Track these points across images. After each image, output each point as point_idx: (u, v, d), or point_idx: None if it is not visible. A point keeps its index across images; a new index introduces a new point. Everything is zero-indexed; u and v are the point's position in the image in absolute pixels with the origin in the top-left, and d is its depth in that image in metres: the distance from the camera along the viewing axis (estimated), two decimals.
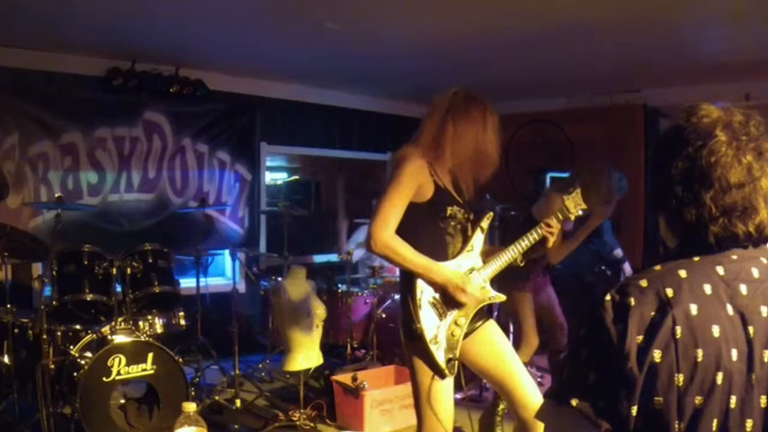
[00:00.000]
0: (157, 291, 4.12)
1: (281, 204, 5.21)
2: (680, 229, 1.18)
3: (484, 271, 2.52)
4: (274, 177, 7.43)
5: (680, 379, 1.04)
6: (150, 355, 3.63)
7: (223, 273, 6.01)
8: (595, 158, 6.06)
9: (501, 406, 3.78)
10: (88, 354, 3.61)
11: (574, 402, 1.09)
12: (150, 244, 4.21)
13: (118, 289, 4.01)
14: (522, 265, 2.65)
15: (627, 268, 4.86)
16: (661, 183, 1.17)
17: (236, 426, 4.04)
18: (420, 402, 2.46)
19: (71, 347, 3.70)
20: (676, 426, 1.05)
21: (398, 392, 4.15)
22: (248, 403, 4.37)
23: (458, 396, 2.73)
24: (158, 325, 4.18)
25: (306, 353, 3.94)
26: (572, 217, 2.67)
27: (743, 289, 1.10)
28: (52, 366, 3.61)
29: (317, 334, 3.96)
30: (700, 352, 1.05)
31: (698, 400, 1.04)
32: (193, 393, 3.93)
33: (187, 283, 4.82)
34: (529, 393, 2.49)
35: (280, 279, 4.75)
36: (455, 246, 2.51)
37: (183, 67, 5.36)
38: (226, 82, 5.72)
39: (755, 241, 1.13)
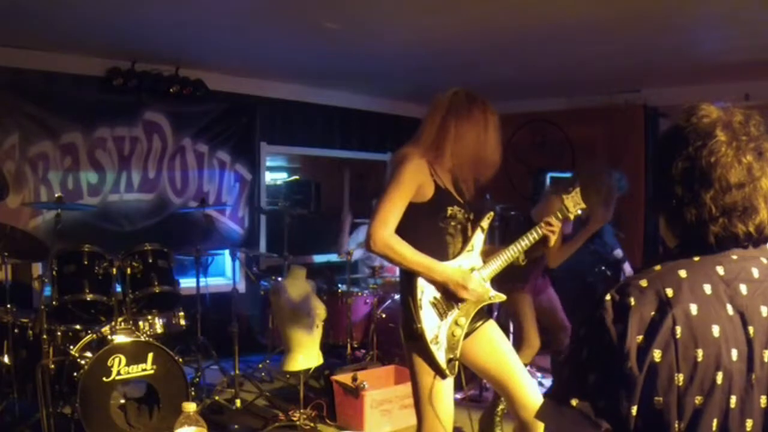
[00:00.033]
0: (157, 291, 4.12)
1: (281, 204, 5.21)
2: (680, 229, 1.18)
3: (484, 270, 2.52)
4: (274, 177, 7.42)
5: (680, 378, 1.04)
6: (150, 355, 3.63)
7: (223, 273, 6.02)
8: (595, 161, 6.05)
9: (500, 407, 3.78)
10: (88, 354, 3.61)
11: (574, 402, 1.09)
12: (150, 244, 4.21)
13: (118, 289, 4.01)
14: (524, 264, 2.65)
15: (627, 268, 4.85)
16: (662, 183, 1.17)
17: (236, 426, 4.04)
18: (420, 402, 2.46)
19: (71, 347, 3.70)
20: (676, 426, 1.05)
21: (398, 392, 4.15)
22: (248, 403, 4.37)
23: (458, 396, 2.73)
24: (158, 325, 4.18)
25: (306, 353, 3.94)
26: (572, 217, 2.67)
27: (743, 289, 1.10)
28: (52, 366, 3.61)
29: (317, 334, 3.96)
30: (700, 352, 1.05)
31: (698, 399, 1.05)
32: (193, 393, 3.93)
33: (187, 283, 4.82)
34: (529, 393, 2.49)
35: (280, 279, 4.75)
36: (455, 246, 2.51)
37: (183, 67, 5.36)
38: (226, 82, 5.72)
39: (755, 241, 1.14)
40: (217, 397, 4.37)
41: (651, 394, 1.05)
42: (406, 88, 6.29)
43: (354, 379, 4.08)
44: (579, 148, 6.48)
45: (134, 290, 4.04)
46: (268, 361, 5.15)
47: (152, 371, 3.63)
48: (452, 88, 2.54)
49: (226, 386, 4.60)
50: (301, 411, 4.06)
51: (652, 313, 1.07)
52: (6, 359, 3.68)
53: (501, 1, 3.67)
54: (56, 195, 4.20)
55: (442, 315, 2.42)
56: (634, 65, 5.09)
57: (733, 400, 1.06)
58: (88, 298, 3.85)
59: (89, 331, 3.78)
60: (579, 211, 2.68)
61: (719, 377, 1.05)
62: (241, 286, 5.83)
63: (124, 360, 3.55)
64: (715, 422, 1.05)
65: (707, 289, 1.09)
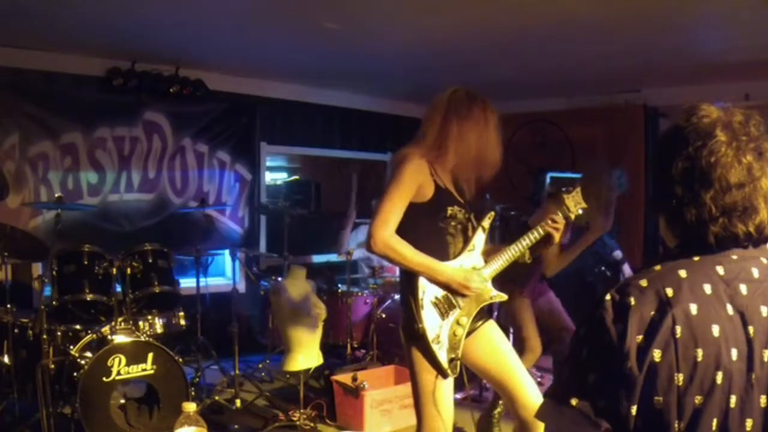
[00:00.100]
0: (157, 291, 4.12)
1: (281, 204, 5.21)
2: (680, 229, 1.18)
3: (486, 270, 2.52)
4: (274, 177, 7.42)
5: (680, 378, 1.04)
6: (150, 355, 3.63)
7: (223, 273, 6.02)
8: (594, 165, 6.04)
9: (498, 409, 3.78)
10: (88, 354, 3.61)
11: (574, 402, 1.09)
12: (150, 244, 4.21)
13: (118, 289, 4.01)
14: (530, 261, 2.65)
15: (626, 269, 4.85)
16: (662, 183, 1.17)
17: (236, 426, 4.04)
18: (420, 402, 2.46)
19: (71, 347, 3.70)
20: (676, 425, 1.05)
21: (398, 392, 4.15)
22: (248, 403, 4.37)
23: (459, 396, 2.73)
24: (158, 325, 4.18)
25: (306, 353, 3.94)
26: (572, 216, 2.66)
27: (743, 288, 1.10)
28: (52, 366, 3.61)
29: (317, 334, 3.96)
30: (699, 352, 1.05)
31: (698, 399, 1.05)
32: (193, 393, 3.93)
33: (187, 283, 4.82)
34: (529, 393, 2.49)
35: (280, 279, 4.75)
36: (456, 246, 2.51)
37: (183, 67, 5.36)
38: (226, 82, 5.72)
39: (755, 241, 1.14)
40: (217, 397, 4.37)
41: (651, 394, 1.05)
42: (406, 88, 6.29)
43: (354, 379, 4.08)
44: (579, 148, 6.48)
45: (134, 290, 4.04)
46: (268, 361, 5.15)
47: (152, 371, 3.63)
48: (451, 87, 2.54)
49: (226, 386, 4.60)
50: (301, 411, 4.06)
51: (652, 312, 1.07)
52: (6, 359, 3.68)
53: (501, 1, 3.67)
54: (56, 195, 4.20)
55: (443, 315, 2.42)
56: (634, 65, 5.09)
57: (733, 399, 1.06)
58: (88, 298, 3.85)
59: (89, 331, 3.78)
60: (580, 211, 2.67)
61: (719, 377, 1.05)
62: (241, 286, 5.82)
63: (124, 360, 3.55)
64: (715, 422, 1.05)
65: (707, 289, 1.09)
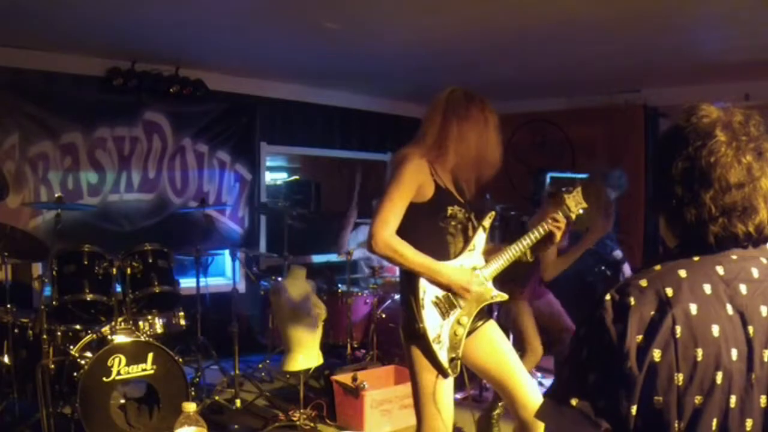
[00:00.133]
0: (157, 291, 4.12)
1: (281, 204, 5.21)
2: (680, 229, 1.18)
3: (486, 269, 2.51)
4: (274, 177, 7.42)
5: (680, 378, 1.04)
6: (150, 355, 3.63)
7: (223, 273, 6.02)
8: (594, 167, 6.04)
9: (497, 411, 3.78)
10: (88, 354, 3.61)
11: (573, 401, 1.09)
12: (150, 244, 4.21)
13: (118, 289, 4.01)
14: (531, 261, 2.65)
15: (626, 269, 4.85)
16: (661, 183, 1.18)
17: (236, 426, 4.04)
18: (420, 402, 2.46)
19: (71, 347, 3.70)
20: (676, 425, 1.05)
21: (398, 392, 4.15)
22: (248, 403, 4.37)
23: (459, 396, 2.73)
24: (158, 325, 4.18)
25: (306, 353, 3.94)
26: (573, 216, 2.65)
27: (743, 288, 1.10)
28: (52, 366, 3.61)
29: (317, 334, 3.96)
30: (699, 352, 1.05)
31: (698, 399, 1.05)
32: (193, 393, 3.93)
33: (187, 283, 4.82)
34: (529, 393, 2.49)
35: (280, 279, 4.75)
36: (456, 246, 2.51)
37: (183, 67, 5.36)
38: (226, 82, 5.72)
39: (755, 241, 1.14)
40: (217, 397, 4.37)
41: (651, 394, 1.05)
42: (406, 88, 6.29)
43: (354, 379, 4.08)
44: (579, 148, 6.48)
45: (134, 290, 4.04)
46: (268, 361, 5.15)
47: (152, 371, 3.63)
48: (449, 87, 2.54)
49: (226, 386, 4.60)
50: (301, 411, 4.06)
51: (652, 312, 1.07)
52: (6, 359, 3.68)
53: (501, 1, 3.67)
54: (56, 195, 4.20)
55: (444, 314, 2.42)
56: (634, 65, 5.09)
57: (733, 399, 1.06)
58: (88, 298, 3.85)
59: (89, 331, 3.78)
60: (581, 210, 2.67)
61: (719, 377, 1.05)
62: (241, 286, 5.83)
63: (124, 360, 3.55)
64: (714, 422, 1.05)
65: (707, 288, 1.09)
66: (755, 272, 1.12)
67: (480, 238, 2.54)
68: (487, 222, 2.57)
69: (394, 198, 2.37)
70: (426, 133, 2.50)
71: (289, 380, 4.83)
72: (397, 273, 3.93)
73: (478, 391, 4.59)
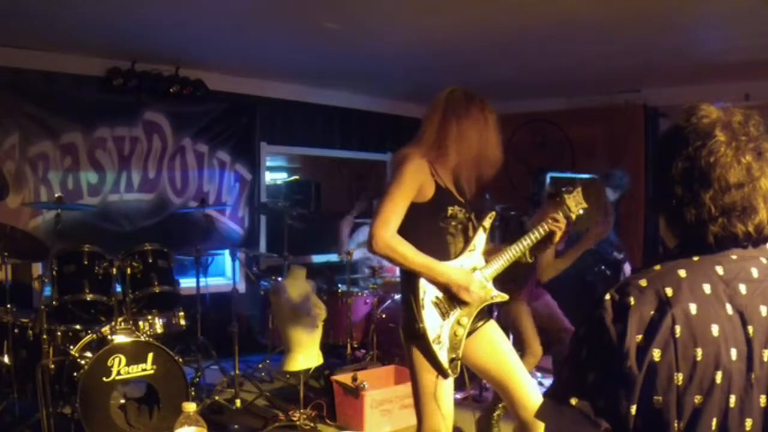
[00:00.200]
0: (157, 291, 4.12)
1: (281, 204, 5.21)
2: (680, 229, 1.18)
3: (487, 270, 2.51)
4: (274, 177, 7.43)
5: (679, 378, 1.04)
6: (150, 355, 3.63)
7: (223, 273, 6.01)
8: (594, 169, 6.04)
9: (497, 411, 3.77)
10: (88, 354, 3.61)
11: (573, 401, 1.09)
12: (150, 244, 4.21)
13: (118, 289, 4.01)
14: (531, 261, 2.65)
15: (627, 268, 4.85)
16: (661, 183, 1.18)
17: (236, 426, 4.05)
18: (420, 402, 2.46)
19: (71, 347, 3.70)
20: (676, 425, 1.05)
21: (398, 392, 4.15)
22: (248, 403, 4.37)
23: (459, 396, 2.73)
24: (158, 325, 4.18)
25: (306, 353, 3.94)
26: (573, 216, 2.65)
27: (742, 288, 1.10)
28: (52, 366, 3.61)
29: (317, 334, 3.96)
30: (699, 352, 1.05)
31: (697, 399, 1.05)
32: (193, 393, 3.93)
33: (187, 283, 4.82)
34: (530, 393, 2.49)
35: (280, 279, 4.75)
36: (456, 246, 2.51)
37: (183, 67, 5.36)
38: (226, 82, 5.72)
39: (754, 241, 1.14)
40: (217, 397, 4.37)
41: (650, 394, 1.05)
42: (406, 88, 6.29)
43: (354, 379, 4.08)
44: (579, 148, 6.48)
45: (134, 290, 4.04)
46: (268, 361, 5.15)
47: (152, 371, 3.63)
48: (449, 87, 2.54)
49: (226, 386, 4.60)
50: (301, 411, 4.06)
51: (652, 312, 1.07)
52: (6, 359, 3.68)
53: (501, 1, 3.67)
54: (56, 195, 4.20)
55: (444, 315, 2.42)
56: (634, 65, 5.09)
57: (733, 399, 1.06)
58: (88, 298, 3.85)
59: (89, 331, 3.78)
60: (581, 211, 2.67)
61: (718, 377, 1.05)
62: (241, 286, 5.83)
63: (124, 360, 3.55)
64: (714, 421, 1.05)
65: (707, 288, 1.09)
66: (755, 272, 1.13)
67: (480, 239, 2.54)
68: (487, 222, 2.57)
69: (395, 198, 2.37)
70: (426, 133, 2.50)
71: (289, 380, 4.83)
72: (397, 273, 3.92)
73: (478, 391, 4.59)
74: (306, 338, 3.92)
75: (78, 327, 3.83)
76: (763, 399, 1.07)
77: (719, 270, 1.12)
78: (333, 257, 6.40)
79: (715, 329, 1.07)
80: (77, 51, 4.89)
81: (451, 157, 2.46)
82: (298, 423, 4.00)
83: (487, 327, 2.56)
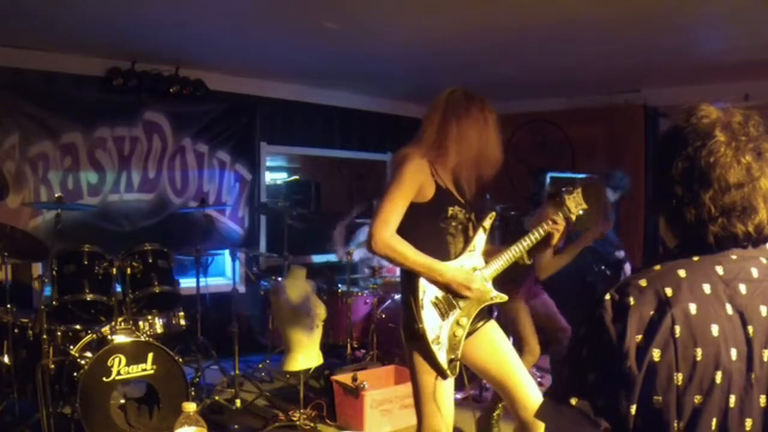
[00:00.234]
0: (157, 291, 4.12)
1: (281, 204, 5.21)
2: (680, 229, 1.18)
3: (486, 270, 2.51)
4: (274, 177, 7.43)
5: (679, 378, 1.04)
6: (150, 355, 3.63)
7: (223, 273, 6.01)
8: (594, 169, 6.04)
9: (497, 411, 3.77)
10: (88, 354, 3.61)
11: (573, 401, 1.09)
12: (150, 244, 4.21)
13: (118, 289, 4.01)
14: (529, 263, 2.65)
15: (627, 268, 4.85)
16: (661, 183, 1.18)
17: (236, 426, 4.05)
18: (420, 402, 2.46)
19: (71, 347, 3.70)
20: (675, 425, 1.05)
21: (398, 392, 4.15)
22: (248, 403, 4.37)
23: (459, 396, 2.73)
24: (158, 325, 4.18)
25: (306, 353, 3.94)
26: (573, 217, 2.65)
27: (742, 288, 1.10)
28: (52, 366, 3.61)
29: (317, 334, 3.96)
30: (699, 352, 1.05)
31: (697, 399, 1.05)
32: (193, 393, 3.93)
33: (187, 283, 4.82)
34: (530, 393, 2.49)
35: (280, 279, 4.75)
36: (456, 246, 2.51)
37: (183, 67, 5.36)
38: (226, 82, 5.72)
39: (754, 241, 1.14)
40: (217, 397, 4.37)
41: (650, 394, 1.05)
42: (406, 88, 6.29)
43: (354, 379, 4.08)
44: (579, 148, 6.48)
45: (134, 290, 4.04)
46: (268, 361, 5.15)
47: (152, 371, 3.63)
48: (449, 87, 2.54)
49: (226, 386, 4.60)
50: (301, 411, 4.06)
51: (652, 312, 1.07)
52: (6, 359, 3.69)
53: (501, 1, 3.67)
54: (56, 195, 4.20)
55: (443, 315, 2.42)
56: (634, 65, 5.09)
57: (733, 399, 1.06)
58: (88, 298, 3.85)
59: (89, 331, 3.78)
60: (581, 211, 2.67)
61: (718, 376, 1.05)
62: (241, 286, 5.83)
63: (124, 360, 3.55)
64: (714, 421, 1.05)
65: (706, 288, 1.09)
66: (755, 272, 1.13)
67: (480, 239, 2.54)
68: (487, 223, 2.57)
69: (395, 198, 2.37)
70: (426, 133, 2.50)
71: (289, 380, 4.83)
72: (397, 273, 3.91)
73: (478, 391, 4.59)
74: (306, 338, 3.92)
75: (78, 327, 3.83)
76: (763, 399, 1.07)
77: (719, 270, 1.12)
78: (333, 257, 6.40)
79: (715, 329, 1.07)
80: (77, 51, 4.89)
81: (451, 157, 2.46)
82: (298, 423, 4.00)
83: (488, 327, 2.56)
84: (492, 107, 2.52)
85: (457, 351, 2.42)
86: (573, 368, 1.13)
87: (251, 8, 3.89)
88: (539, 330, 4.07)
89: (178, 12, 3.96)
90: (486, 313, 2.59)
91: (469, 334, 2.48)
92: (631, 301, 1.08)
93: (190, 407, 1.85)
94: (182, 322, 4.42)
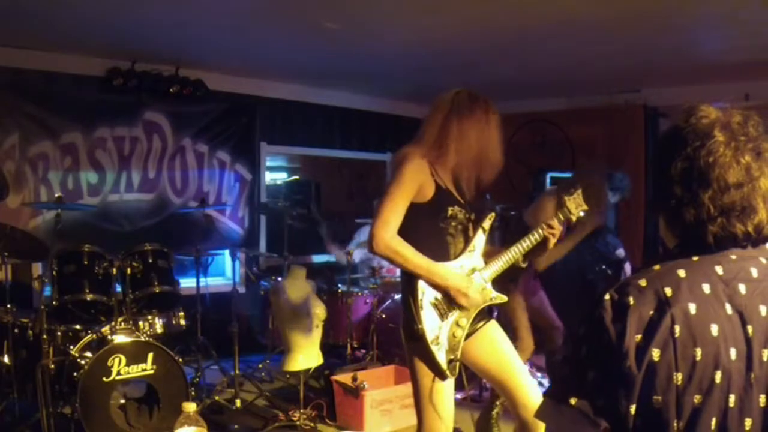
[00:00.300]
0: (157, 291, 4.12)
1: (281, 204, 5.21)
2: (679, 229, 1.18)
3: (486, 271, 2.52)
4: (274, 177, 7.43)
5: (679, 378, 1.05)
6: (150, 355, 3.63)
7: (223, 273, 6.02)
8: (591, 163, 6.04)
9: (495, 410, 3.78)
10: (88, 354, 3.61)
11: (573, 401, 1.09)
12: (150, 244, 4.21)
13: (118, 289, 4.01)
14: (524, 266, 2.65)
15: (628, 268, 4.85)
16: (661, 183, 1.18)
17: (236, 426, 4.05)
18: (420, 402, 2.46)
19: (71, 347, 3.70)
20: (675, 425, 1.05)
21: (398, 392, 4.15)
22: (248, 403, 4.37)
23: (459, 396, 2.73)
24: (158, 325, 4.18)
25: (306, 353, 3.94)
26: (573, 219, 2.64)
27: (742, 288, 1.10)
28: (52, 366, 3.61)
29: (317, 334, 3.96)
30: (698, 351, 1.05)
31: (697, 399, 1.05)
32: (193, 393, 3.93)
33: (187, 283, 4.82)
34: (530, 393, 2.49)
35: (280, 279, 4.75)
36: (456, 246, 2.51)
37: (183, 67, 5.36)
38: (226, 82, 5.72)
39: (754, 241, 1.14)
40: (217, 397, 4.37)
41: (650, 393, 1.05)
42: (406, 88, 6.29)
43: (354, 379, 4.08)
44: (579, 148, 6.48)
45: (134, 290, 4.04)
46: (268, 361, 5.15)
47: (152, 371, 3.63)
48: (454, 88, 2.54)
49: (226, 386, 4.60)
50: (301, 411, 4.06)
51: (651, 312, 1.07)
52: (6, 359, 3.69)
53: (501, 1, 3.67)
54: (56, 195, 4.20)
55: (443, 316, 2.42)
56: (634, 65, 5.09)
57: (732, 399, 1.06)
58: (88, 298, 3.85)
59: (89, 331, 3.78)
60: (581, 213, 2.66)
61: (718, 376, 1.05)
62: (241, 286, 5.83)
63: (124, 360, 3.55)
64: (713, 421, 1.05)
65: (706, 288, 1.10)
66: (754, 272, 1.13)
67: (480, 240, 2.54)
68: (487, 223, 2.57)
69: (395, 198, 2.37)
70: (427, 133, 2.49)
71: (289, 380, 4.83)
72: (397, 273, 3.90)
73: (478, 391, 4.59)
74: (306, 338, 3.92)
75: (78, 327, 3.83)
76: (762, 398, 1.08)
77: (719, 270, 1.12)
78: (333, 257, 6.40)
79: (714, 329, 1.07)
80: (77, 51, 4.89)
81: (450, 156, 2.46)
82: (298, 423, 4.00)
83: (488, 327, 2.56)
84: (495, 109, 2.52)
85: (457, 351, 2.42)
86: (573, 367, 1.13)
87: (251, 8, 3.89)
88: (534, 328, 4.08)
89: (178, 12, 3.96)
90: (486, 313, 2.59)
91: (469, 334, 2.48)
92: (631, 300, 1.08)
93: (190, 407, 1.85)
94: (182, 322, 4.42)
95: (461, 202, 2.53)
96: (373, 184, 7.25)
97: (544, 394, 1.19)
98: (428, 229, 2.45)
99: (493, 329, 2.58)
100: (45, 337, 3.58)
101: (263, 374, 5.07)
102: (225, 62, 5.39)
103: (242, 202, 6.07)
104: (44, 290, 3.77)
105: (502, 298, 2.55)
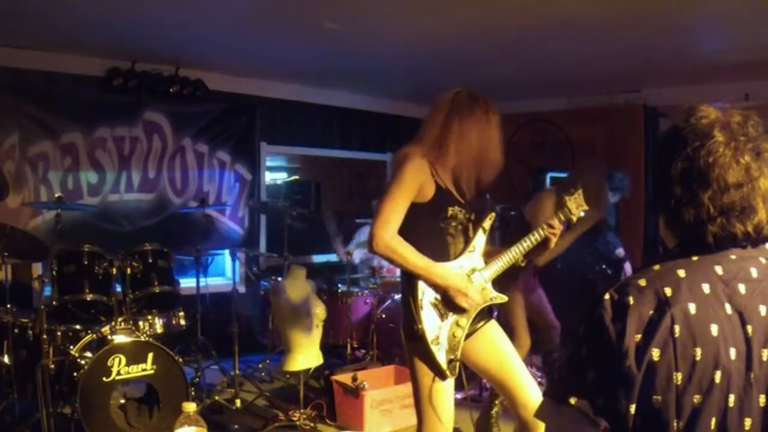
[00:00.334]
0: (157, 291, 4.12)
1: (281, 204, 5.21)
2: (679, 229, 1.18)
3: (486, 271, 2.52)
4: (274, 177, 7.43)
5: (679, 377, 1.05)
6: (150, 355, 3.63)
7: (223, 273, 6.02)
8: (590, 161, 6.04)
9: (495, 409, 3.78)
10: (88, 354, 3.61)
11: (572, 400, 1.09)
12: (150, 244, 4.21)
13: (118, 289, 4.01)
14: (523, 265, 2.65)
15: (628, 267, 4.86)
16: (661, 183, 1.18)
17: (236, 426, 4.05)
18: (420, 402, 2.46)
19: (71, 347, 3.71)
20: (675, 424, 1.05)
21: (398, 392, 4.15)
22: (248, 403, 4.37)
23: (459, 396, 2.73)
24: (158, 325, 4.18)
25: (306, 353, 3.94)
26: (574, 218, 2.65)
27: (742, 288, 1.10)
28: (52, 366, 3.61)
29: (317, 334, 3.96)
30: (698, 351, 1.05)
31: (697, 398, 1.05)
32: (193, 393, 3.94)
33: (187, 283, 4.82)
34: (530, 393, 2.49)
35: (280, 279, 4.75)
36: (456, 246, 2.51)
37: (183, 67, 5.36)
38: (226, 82, 5.72)
39: (754, 241, 1.14)
40: (217, 397, 4.37)
41: (650, 393, 1.05)
42: (406, 88, 6.29)
43: (354, 379, 4.08)
44: (579, 148, 6.48)
45: (134, 290, 4.04)
46: (268, 361, 5.15)
47: (152, 371, 3.63)
48: (454, 88, 2.54)
49: (226, 386, 4.60)
50: (301, 411, 4.06)
51: (651, 312, 1.07)
52: (6, 359, 3.69)
53: (501, 1, 3.67)
54: (56, 195, 4.20)
55: (442, 316, 2.42)
56: (634, 65, 5.09)
57: (732, 399, 1.06)
58: (88, 298, 3.85)
59: (89, 331, 3.78)
60: (582, 213, 2.66)
61: (718, 376, 1.05)
62: (241, 286, 5.83)
63: (124, 360, 3.55)
64: (713, 421, 1.05)
65: (706, 288, 1.10)
66: (754, 272, 1.13)
67: (480, 240, 2.54)
68: (487, 223, 2.57)
69: (396, 198, 2.37)
70: (427, 133, 2.50)
71: (289, 380, 4.83)
72: (397, 273, 3.90)
73: (478, 391, 4.59)
74: (306, 338, 3.92)
75: (78, 327, 3.83)
76: (762, 398, 1.08)
77: (718, 270, 1.12)
78: (333, 257, 6.40)
79: (714, 329, 1.07)
80: (77, 51, 4.89)
81: (451, 156, 2.46)
82: (298, 423, 4.00)
83: (488, 327, 2.57)
84: (495, 109, 2.52)
85: (457, 351, 2.42)
86: (573, 367, 1.13)
87: (251, 8, 3.89)
88: (531, 327, 4.09)
89: (178, 12, 3.96)
90: (486, 313, 2.59)
91: (470, 334, 2.48)
92: (631, 300, 1.08)
93: (190, 407, 1.85)
94: (182, 322, 4.42)
95: (461, 202, 2.53)
96: (373, 184, 7.24)
97: (544, 394, 1.19)
98: (428, 229, 2.45)
99: (493, 329, 2.58)
100: (45, 337, 3.58)
101: (263, 374, 5.07)
102: (225, 62, 5.39)
103: (242, 202, 6.07)
104: (44, 290, 3.77)
105: (502, 298, 2.55)
